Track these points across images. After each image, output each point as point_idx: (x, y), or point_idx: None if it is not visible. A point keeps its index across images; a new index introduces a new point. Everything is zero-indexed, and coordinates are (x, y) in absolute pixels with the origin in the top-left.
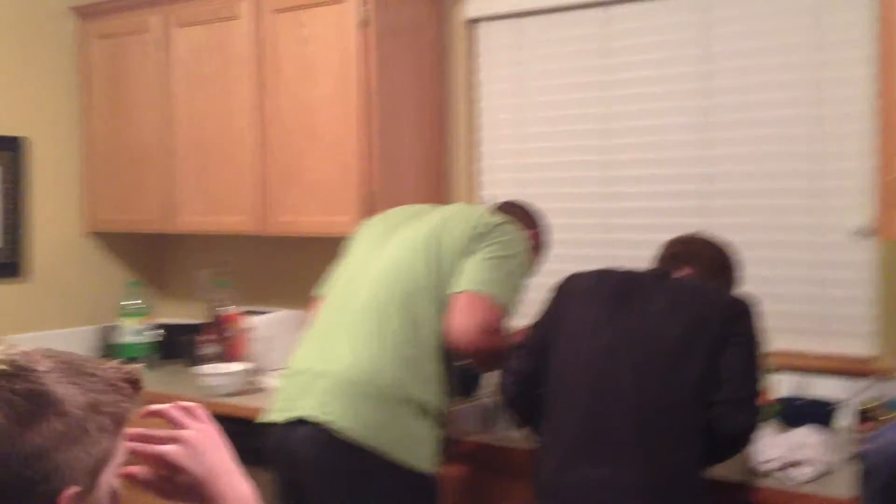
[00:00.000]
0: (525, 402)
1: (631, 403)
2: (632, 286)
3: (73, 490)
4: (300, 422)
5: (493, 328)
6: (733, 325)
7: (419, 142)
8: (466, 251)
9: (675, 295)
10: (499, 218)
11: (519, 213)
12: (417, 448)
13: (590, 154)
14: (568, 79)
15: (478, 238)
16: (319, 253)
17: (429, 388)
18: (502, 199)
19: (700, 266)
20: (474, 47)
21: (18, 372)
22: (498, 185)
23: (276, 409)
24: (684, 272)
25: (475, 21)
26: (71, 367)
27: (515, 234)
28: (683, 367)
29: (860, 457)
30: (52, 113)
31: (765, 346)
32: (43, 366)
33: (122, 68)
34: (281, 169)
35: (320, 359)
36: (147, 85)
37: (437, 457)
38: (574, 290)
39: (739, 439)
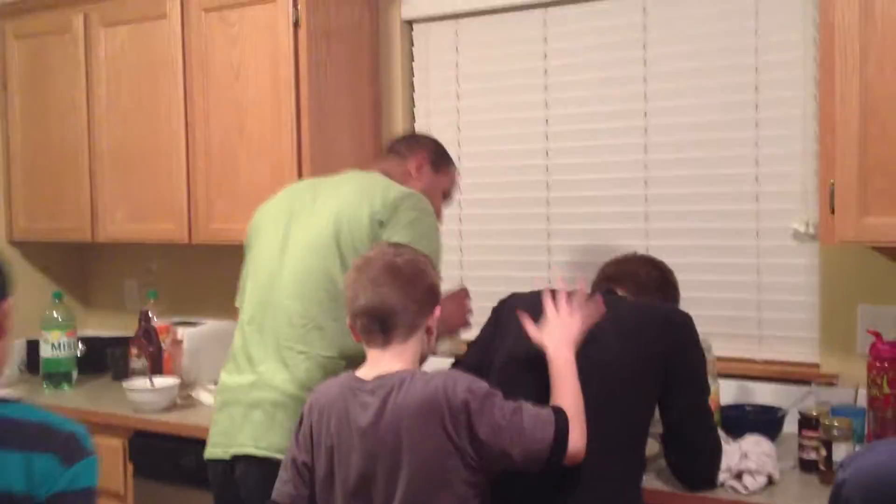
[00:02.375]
0: None
1: None
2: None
3: (439, 309)
4: (243, 456)
5: None
6: (676, 344)
7: (355, 144)
8: (373, 239)
9: (615, 312)
10: (396, 193)
11: (417, 149)
12: None
13: (528, 158)
14: (506, 81)
15: (381, 225)
16: None
17: None
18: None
19: (634, 284)
20: (411, 49)
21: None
22: None
23: (216, 443)
24: (620, 292)
25: (411, 22)
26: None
27: (417, 206)
28: (624, 382)
29: (836, 485)
30: None
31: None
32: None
33: (43, 69)
34: (210, 174)
35: (250, 384)
36: (69, 87)
37: None
38: (513, 308)
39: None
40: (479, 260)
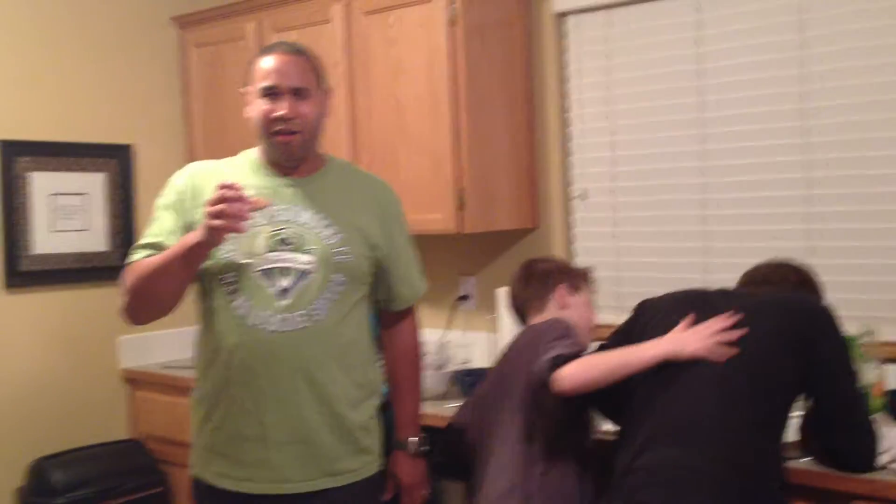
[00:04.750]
0: (605, 393)
1: (713, 390)
2: (710, 294)
3: (562, 286)
4: None
5: None
6: (817, 330)
7: (510, 137)
8: None
9: (754, 300)
10: None
11: None
12: None
13: (684, 145)
14: (660, 69)
15: None
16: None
17: None
18: None
19: (777, 286)
20: (563, 41)
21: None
22: (590, 178)
23: None
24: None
25: (564, 14)
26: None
27: None
28: (768, 362)
29: None
30: (156, 120)
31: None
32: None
33: (220, 75)
34: (373, 169)
35: None
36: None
37: None
38: (653, 303)
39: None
40: (634, 261)
